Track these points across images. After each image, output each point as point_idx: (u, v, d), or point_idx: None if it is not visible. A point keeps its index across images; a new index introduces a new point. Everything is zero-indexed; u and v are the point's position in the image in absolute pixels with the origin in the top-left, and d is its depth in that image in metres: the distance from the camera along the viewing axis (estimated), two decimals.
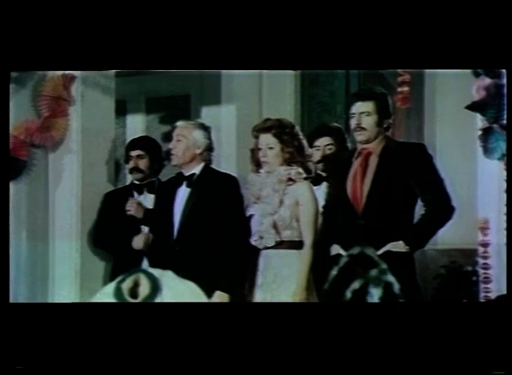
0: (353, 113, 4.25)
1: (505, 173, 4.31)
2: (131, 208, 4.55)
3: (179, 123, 4.53)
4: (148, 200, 4.64)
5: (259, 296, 4.15)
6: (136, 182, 4.66)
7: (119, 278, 1.84)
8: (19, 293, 4.68)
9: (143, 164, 4.66)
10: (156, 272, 1.85)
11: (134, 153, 4.67)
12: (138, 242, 4.54)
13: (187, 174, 4.40)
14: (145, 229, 4.56)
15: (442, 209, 4.20)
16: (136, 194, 4.64)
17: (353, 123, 4.27)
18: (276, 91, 6.02)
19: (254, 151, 4.36)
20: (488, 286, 4.25)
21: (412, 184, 4.21)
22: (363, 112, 4.22)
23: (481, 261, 4.40)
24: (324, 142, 4.74)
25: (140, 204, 4.56)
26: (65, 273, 4.64)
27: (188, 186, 4.37)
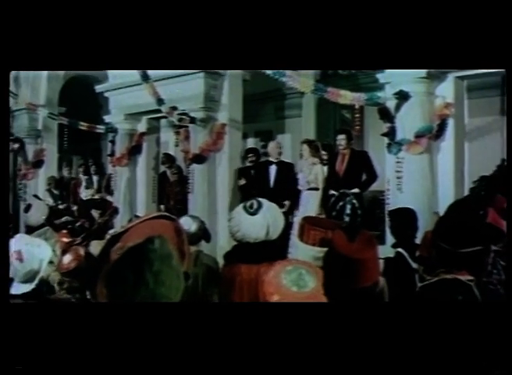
0: (337, 139, 9.27)
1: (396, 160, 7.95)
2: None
3: (271, 142, 10.04)
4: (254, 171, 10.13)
5: (301, 209, 9.34)
6: (251, 165, 10.27)
7: (244, 202, 3.12)
8: None
9: (254, 158, 10.19)
10: (260, 199, 3.15)
11: (250, 155, 10.15)
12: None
13: (275, 161, 9.77)
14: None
15: (372, 177, 9.05)
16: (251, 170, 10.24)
17: (337, 143, 9.28)
18: (308, 129, 11.56)
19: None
20: (389, 202, 7.69)
21: (362, 168, 9.10)
22: (341, 139, 9.16)
23: (386, 193, 8.06)
24: (326, 148, 9.96)
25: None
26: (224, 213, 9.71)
27: (276, 165, 9.73)
